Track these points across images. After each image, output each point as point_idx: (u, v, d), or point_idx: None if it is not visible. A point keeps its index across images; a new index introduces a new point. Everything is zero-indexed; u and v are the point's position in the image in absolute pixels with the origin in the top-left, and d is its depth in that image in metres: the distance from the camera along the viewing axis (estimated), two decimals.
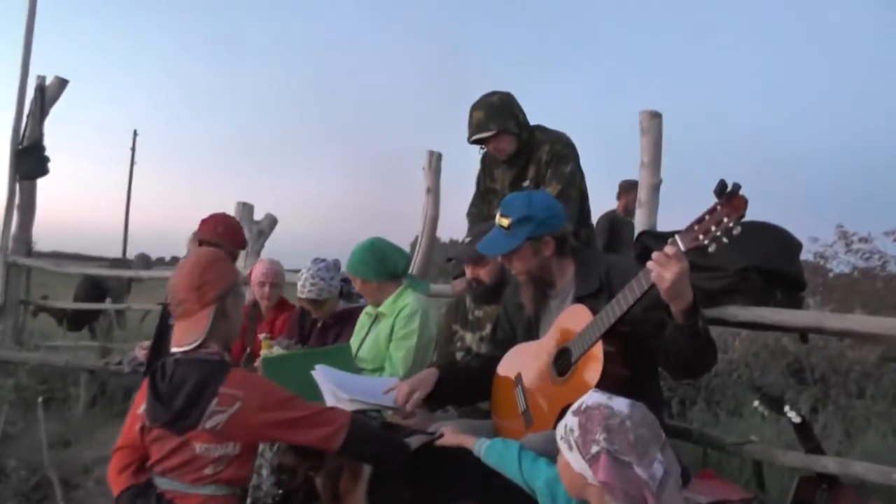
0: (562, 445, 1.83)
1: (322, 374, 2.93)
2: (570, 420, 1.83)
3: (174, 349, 2.22)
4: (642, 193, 3.55)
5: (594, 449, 1.76)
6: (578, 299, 2.55)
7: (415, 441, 2.45)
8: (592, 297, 2.47)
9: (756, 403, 3.01)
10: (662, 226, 3.57)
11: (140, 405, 2.24)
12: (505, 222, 2.63)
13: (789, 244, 2.90)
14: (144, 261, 10.16)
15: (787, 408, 2.85)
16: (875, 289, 8.19)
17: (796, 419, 2.84)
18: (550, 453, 2.27)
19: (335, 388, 2.81)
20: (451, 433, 2.53)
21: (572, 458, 1.81)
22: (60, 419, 5.62)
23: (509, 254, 2.66)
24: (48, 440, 4.97)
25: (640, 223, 3.50)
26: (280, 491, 3.21)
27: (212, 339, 2.22)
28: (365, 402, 2.81)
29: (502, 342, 2.89)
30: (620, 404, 1.82)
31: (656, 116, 3.70)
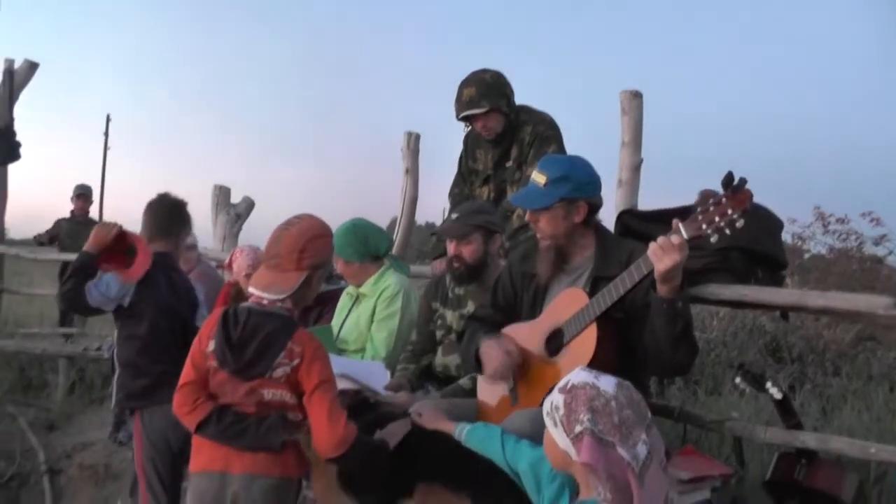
0: (547, 421, 1.84)
1: None
2: (555, 397, 1.83)
3: (255, 289, 2.32)
4: (623, 173, 3.56)
5: (578, 428, 1.77)
6: (596, 279, 2.54)
7: (393, 438, 2.50)
8: (610, 281, 2.43)
9: (737, 380, 3.03)
10: (643, 205, 3.58)
11: (207, 343, 2.32)
12: (541, 179, 2.59)
13: (771, 223, 2.91)
14: None
15: (768, 384, 2.88)
16: (850, 270, 8.28)
17: (777, 395, 2.86)
18: (536, 431, 2.29)
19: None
20: (429, 418, 2.53)
21: (557, 435, 1.81)
22: (39, 407, 5.58)
23: (540, 211, 2.61)
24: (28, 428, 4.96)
25: (621, 202, 3.50)
26: None
27: (291, 300, 2.33)
28: (357, 381, 2.85)
29: (504, 307, 2.86)
30: (607, 384, 1.82)
31: (637, 97, 3.71)
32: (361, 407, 2.79)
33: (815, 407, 4.92)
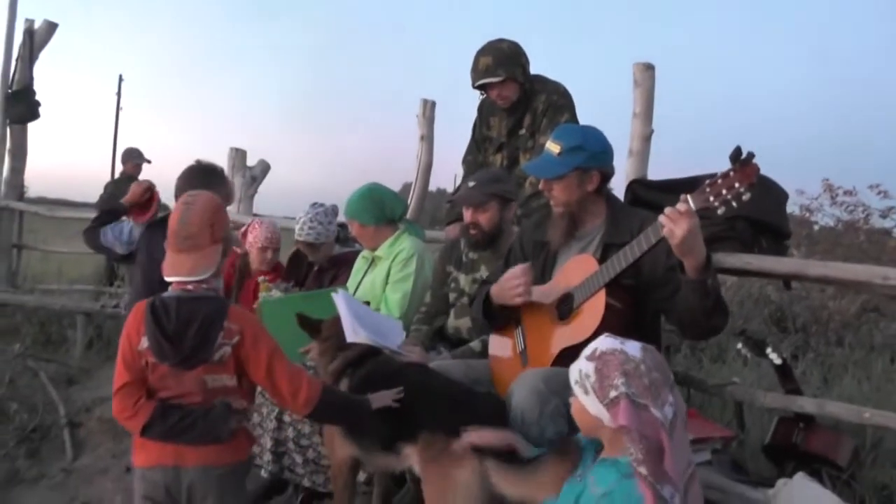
0: (577, 389, 1.91)
1: (343, 302, 2.99)
2: (584, 365, 1.91)
3: (177, 277, 2.30)
4: (634, 143, 3.61)
5: (613, 393, 1.85)
6: (606, 246, 2.60)
7: (378, 401, 2.55)
8: (620, 248, 2.48)
9: (739, 345, 3.12)
10: (652, 176, 3.64)
11: (138, 340, 2.28)
12: (555, 149, 2.64)
13: (776, 193, 2.98)
14: None
15: (769, 350, 2.97)
16: (857, 241, 8.30)
17: (777, 361, 2.95)
18: (547, 389, 2.39)
19: (355, 323, 2.90)
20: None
21: (588, 402, 1.89)
22: (59, 362, 5.69)
23: (554, 180, 2.66)
24: (48, 382, 5.08)
25: (631, 172, 3.56)
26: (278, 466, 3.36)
27: (214, 276, 2.34)
28: (377, 342, 2.91)
29: None
30: (634, 349, 1.90)
31: (649, 69, 3.74)
32: (373, 358, 2.88)
33: (816, 375, 5.00)
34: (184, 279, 2.30)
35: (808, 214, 8.66)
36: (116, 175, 10.05)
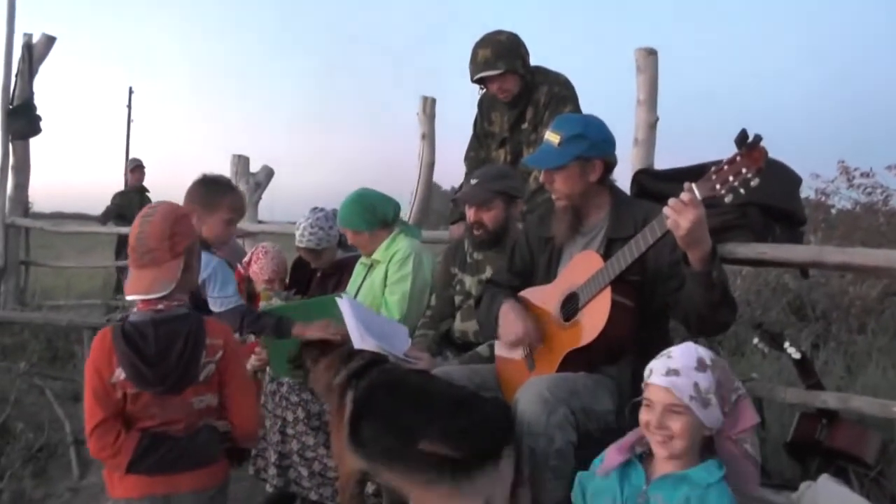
0: (694, 406, 1.84)
1: (348, 307, 2.92)
2: (700, 378, 1.85)
3: (137, 296, 2.20)
4: (639, 132, 3.50)
5: (734, 397, 1.87)
6: (610, 241, 2.52)
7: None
8: (624, 242, 2.40)
9: (756, 340, 3.01)
10: (659, 165, 3.52)
11: (110, 373, 2.16)
12: (556, 139, 2.56)
13: (789, 179, 2.86)
14: None
15: (786, 344, 2.85)
16: (877, 224, 8.11)
17: (796, 355, 2.84)
18: (552, 397, 2.28)
19: (361, 328, 2.82)
20: None
21: (707, 415, 1.85)
22: (65, 378, 5.65)
23: (555, 170, 2.58)
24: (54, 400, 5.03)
25: (637, 161, 3.45)
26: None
27: (179, 290, 2.22)
28: (384, 349, 2.83)
29: (521, 272, 2.85)
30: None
31: (652, 54, 3.63)
32: (377, 367, 2.80)
33: (839, 365, 4.86)
34: (142, 297, 2.20)
35: (824, 198, 8.46)
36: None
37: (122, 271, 7.95)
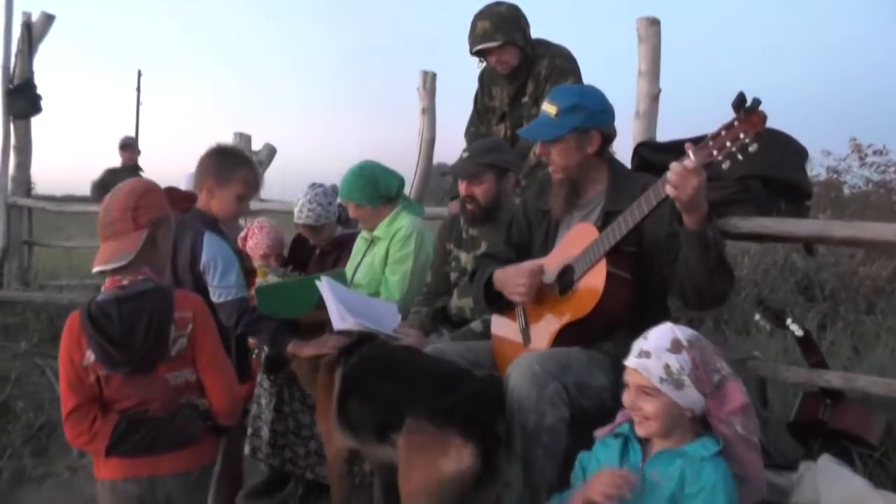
0: (665, 388, 1.82)
1: (328, 288, 2.88)
2: (672, 360, 1.82)
3: (98, 266, 2.15)
4: (641, 104, 3.41)
5: (717, 378, 1.83)
6: (608, 214, 2.46)
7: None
8: (621, 215, 2.34)
9: (757, 316, 2.93)
10: (661, 138, 3.44)
11: (80, 356, 2.11)
12: (552, 110, 2.51)
13: (793, 150, 2.77)
14: None
15: (789, 320, 2.78)
16: (890, 202, 7.98)
17: (798, 332, 2.77)
18: (543, 371, 2.23)
19: (341, 308, 2.79)
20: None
21: (682, 395, 1.82)
22: None
23: (552, 142, 2.53)
24: (55, 379, 5.02)
25: (638, 134, 3.36)
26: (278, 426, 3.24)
27: (141, 263, 2.16)
28: (368, 326, 2.79)
29: (518, 245, 2.80)
30: (694, 331, 1.90)
31: (654, 23, 3.53)
32: (367, 344, 2.77)
33: (846, 346, 4.78)
34: (101, 267, 2.14)
35: (835, 176, 8.32)
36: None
37: None
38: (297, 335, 2.90)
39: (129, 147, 8.60)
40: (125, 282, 2.14)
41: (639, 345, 1.89)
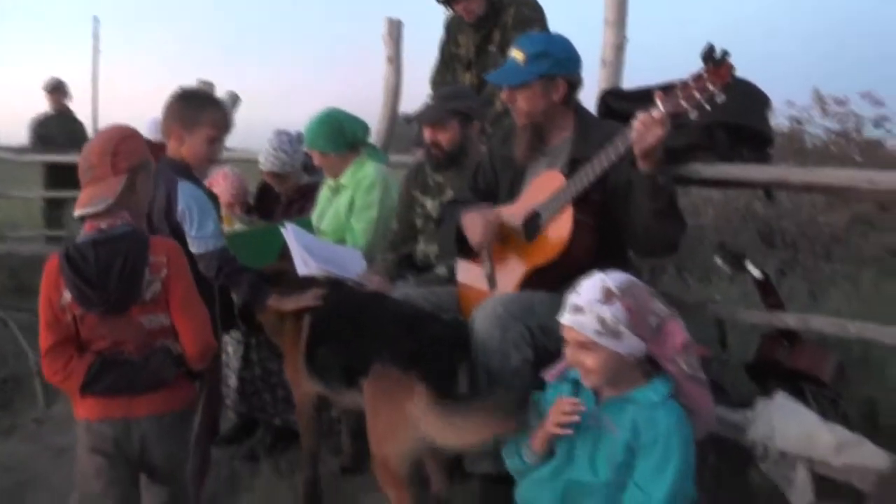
0: (604, 341, 1.77)
1: (292, 235, 2.90)
2: (606, 311, 1.78)
3: (78, 210, 2.16)
4: (606, 53, 3.39)
5: (655, 321, 1.80)
6: (574, 161, 2.47)
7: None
8: (588, 162, 2.35)
9: (718, 260, 2.98)
10: (627, 87, 3.43)
11: (58, 295, 2.13)
12: (520, 56, 2.51)
13: (755, 98, 2.79)
14: None
15: (747, 263, 2.83)
16: (850, 155, 8.04)
17: (757, 274, 2.82)
18: (507, 313, 2.26)
19: (305, 254, 2.81)
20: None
21: (622, 345, 1.78)
22: (29, 310, 5.57)
23: (518, 88, 2.53)
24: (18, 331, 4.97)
25: (604, 84, 3.36)
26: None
27: (120, 208, 2.16)
28: (332, 272, 2.82)
29: (483, 191, 2.81)
30: (625, 276, 1.88)
31: None
32: (333, 291, 2.78)
33: (802, 291, 4.89)
34: (81, 211, 2.15)
35: (797, 125, 8.33)
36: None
37: (50, 203, 7.60)
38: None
39: (57, 90, 7.88)
40: (103, 225, 2.15)
41: (571, 300, 1.84)
